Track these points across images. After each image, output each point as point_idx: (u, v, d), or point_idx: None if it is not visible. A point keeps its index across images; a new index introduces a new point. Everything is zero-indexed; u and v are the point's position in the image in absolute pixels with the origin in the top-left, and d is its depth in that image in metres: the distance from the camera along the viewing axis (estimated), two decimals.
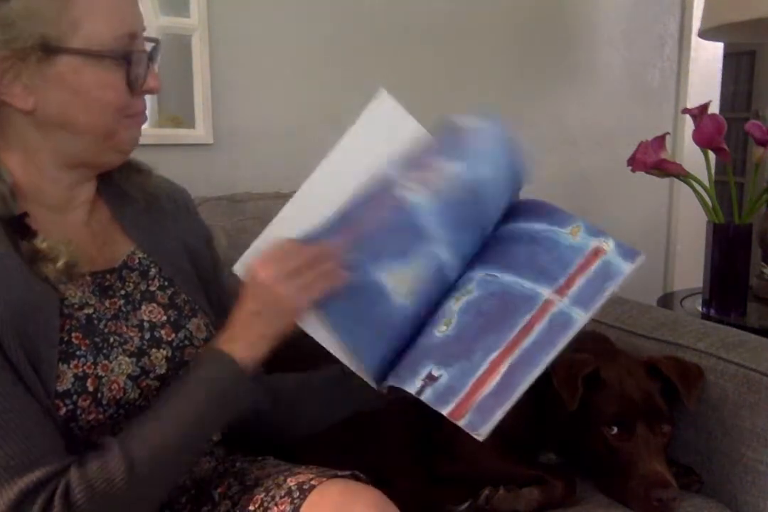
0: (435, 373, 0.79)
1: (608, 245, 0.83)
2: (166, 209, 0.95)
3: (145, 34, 0.83)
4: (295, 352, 1.00)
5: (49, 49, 0.74)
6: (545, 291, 0.82)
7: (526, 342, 0.79)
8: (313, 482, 0.79)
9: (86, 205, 0.87)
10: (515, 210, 0.92)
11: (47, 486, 0.70)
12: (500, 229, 0.91)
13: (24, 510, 0.69)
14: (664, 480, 1.02)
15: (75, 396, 0.76)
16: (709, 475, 1.15)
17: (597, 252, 0.83)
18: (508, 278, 0.84)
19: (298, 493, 0.79)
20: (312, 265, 0.78)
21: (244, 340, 0.79)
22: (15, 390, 0.72)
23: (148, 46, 0.83)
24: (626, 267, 0.82)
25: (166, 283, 0.90)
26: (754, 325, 1.54)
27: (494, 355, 0.79)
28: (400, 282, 0.82)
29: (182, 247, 0.94)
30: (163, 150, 1.44)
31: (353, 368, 0.84)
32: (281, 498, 0.79)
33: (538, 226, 0.87)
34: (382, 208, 0.82)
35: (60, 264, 0.76)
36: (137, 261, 0.89)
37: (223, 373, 0.78)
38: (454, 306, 0.85)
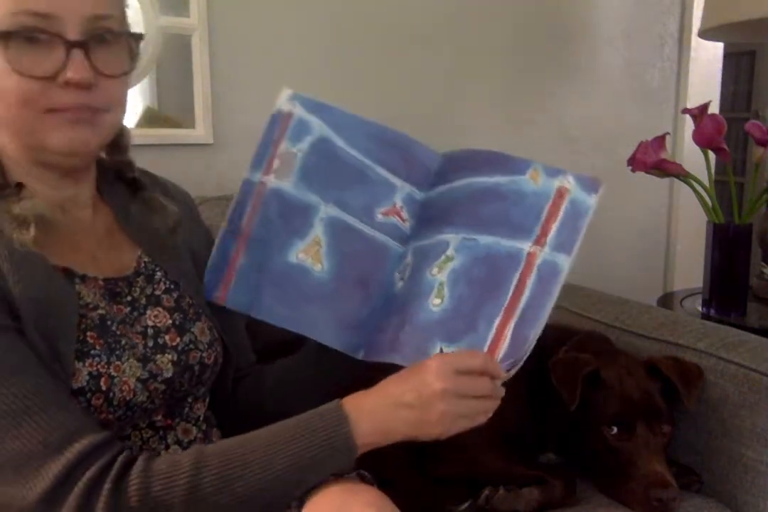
0: (446, 350, 0.80)
1: (569, 182, 0.82)
2: (168, 209, 0.94)
3: (144, 33, 0.80)
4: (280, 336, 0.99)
5: None
6: (525, 245, 0.82)
7: (523, 300, 0.80)
8: None
9: (88, 208, 0.86)
10: (468, 163, 0.89)
11: (105, 450, 0.69)
12: (457, 184, 0.89)
13: (80, 472, 0.67)
14: (664, 480, 1.02)
15: (89, 394, 0.75)
16: (709, 475, 1.15)
17: (561, 193, 0.82)
18: (486, 239, 0.83)
19: None
20: (483, 396, 0.77)
21: (377, 424, 0.76)
22: (42, 370, 0.71)
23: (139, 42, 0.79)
24: (592, 201, 0.82)
25: (171, 286, 0.89)
26: (754, 325, 1.54)
27: (497, 321, 0.80)
28: (309, 254, 0.87)
29: (186, 250, 0.94)
30: (163, 150, 1.45)
31: (326, 342, 0.87)
32: None
33: (499, 179, 0.85)
34: (254, 208, 0.88)
35: (32, 230, 0.74)
36: (143, 265, 0.88)
37: (335, 449, 0.74)
38: (439, 275, 0.84)
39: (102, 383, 0.76)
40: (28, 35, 0.72)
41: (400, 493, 0.81)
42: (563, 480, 1.07)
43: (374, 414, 0.76)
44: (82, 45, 0.73)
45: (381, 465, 1.06)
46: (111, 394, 0.77)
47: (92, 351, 0.77)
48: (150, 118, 1.50)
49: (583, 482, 1.11)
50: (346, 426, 0.74)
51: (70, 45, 0.73)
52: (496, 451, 1.09)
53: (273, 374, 1.00)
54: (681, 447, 1.18)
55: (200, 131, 1.53)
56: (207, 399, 0.94)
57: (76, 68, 0.73)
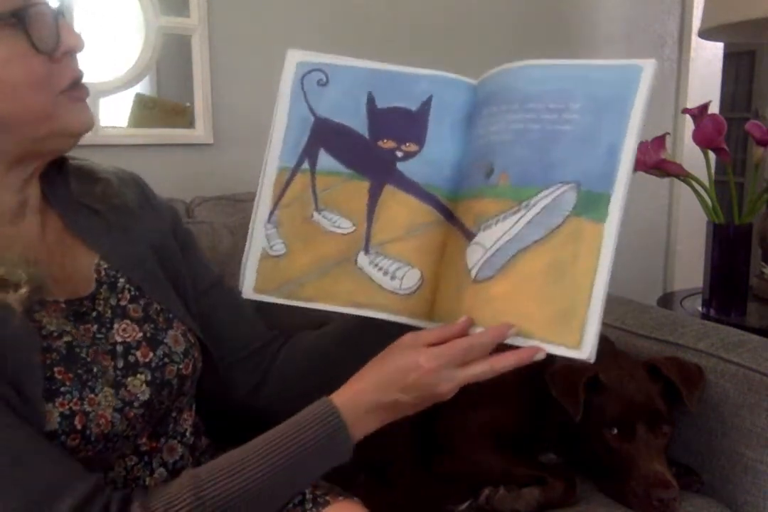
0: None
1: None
2: (127, 210, 0.85)
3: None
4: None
5: None
6: None
7: None
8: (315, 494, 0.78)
9: (36, 216, 0.77)
10: None
11: (94, 501, 0.64)
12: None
13: None
14: (664, 481, 1.02)
15: (63, 437, 0.69)
16: (709, 475, 1.15)
17: None
18: None
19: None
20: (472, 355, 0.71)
21: (368, 418, 0.72)
22: (11, 418, 0.65)
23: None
24: None
25: (136, 293, 0.81)
26: (754, 325, 1.54)
27: None
28: None
29: (147, 247, 0.85)
30: (163, 150, 1.45)
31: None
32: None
33: None
34: None
35: (23, 291, 0.68)
36: (103, 272, 0.80)
37: (331, 441, 0.70)
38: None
39: (77, 422, 0.70)
40: (36, 8, 0.67)
41: (400, 492, 0.81)
42: (563, 480, 1.07)
43: (372, 414, 0.72)
44: (62, 12, 0.69)
45: (381, 465, 1.06)
46: (88, 432, 0.70)
47: (62, 389, 0.70)
48: (141, 103, 1.46)
49: (583, 482, 1.11)
50: (345, 435, 0.70)
51: (57, 13, 0.68)
52: (497, 451, 1.09)
53: (301, 346, 0.93)
54: (681, 447, 1.18)
55: (200, 131, 1.53)
56: (193, 405, 0.88)
57: (70, 33, 0.69)
